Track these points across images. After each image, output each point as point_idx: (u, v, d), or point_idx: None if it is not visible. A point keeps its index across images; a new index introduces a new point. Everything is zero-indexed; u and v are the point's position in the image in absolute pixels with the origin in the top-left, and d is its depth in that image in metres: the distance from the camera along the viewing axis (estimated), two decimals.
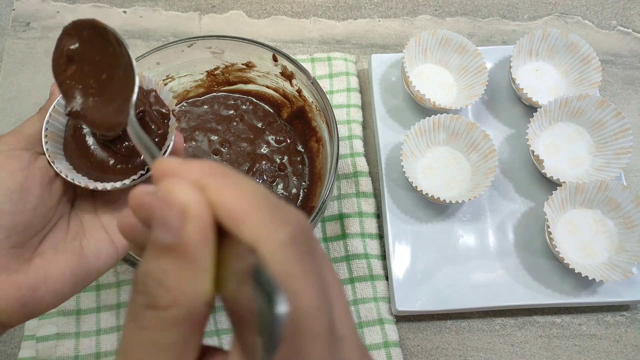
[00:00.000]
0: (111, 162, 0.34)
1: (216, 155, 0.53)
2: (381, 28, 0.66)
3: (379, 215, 0.55)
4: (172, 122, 0.35)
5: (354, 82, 0.61)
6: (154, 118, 0.34)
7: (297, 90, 0.53)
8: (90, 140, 0.34)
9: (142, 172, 0.34)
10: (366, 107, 0.61)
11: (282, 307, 0.14)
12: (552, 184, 0.55)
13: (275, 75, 0.53)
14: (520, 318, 0.52)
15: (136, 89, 0.30)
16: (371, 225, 0.54)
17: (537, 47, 0.59)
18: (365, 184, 0.55)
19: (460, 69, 0.59)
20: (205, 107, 0.55)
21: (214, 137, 0.54)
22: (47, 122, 0.34)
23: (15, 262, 0.31)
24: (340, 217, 0.54)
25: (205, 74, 0.55)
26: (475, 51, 0.57)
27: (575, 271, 0.49)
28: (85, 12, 0.65)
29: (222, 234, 0.16)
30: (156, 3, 0.66)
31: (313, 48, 0.64)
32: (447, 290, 0.51)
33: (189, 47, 0.51)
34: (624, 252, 0.50)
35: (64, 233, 0.34)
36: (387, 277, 0.52)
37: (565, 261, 0.49)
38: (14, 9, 0.65)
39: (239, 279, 0.15)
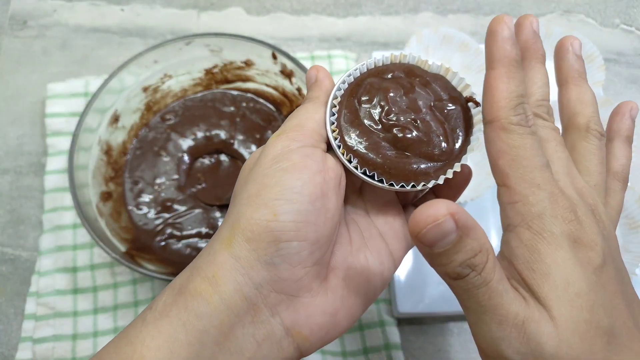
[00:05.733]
0: (409, 160, 0.28)
1: None
2: (382, 25, 0.65)
3: None
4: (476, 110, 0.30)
5: None
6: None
7: (296, 89, 0.52)
8: (378, 136, 0.28)
9: (444, 175, 0.29)
10: None
11: None
12: None
13: (275, 73, 0.52)
14: None
15: None
16: None
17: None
18: None
19: (463, 68, 0.58)
20: (205, 105, 0.55)
21: (216, 139, 0.53)
22: (332, 113, 0.28)
23: (316, 282, 0.27)
24: None
25: (204, 72, 0.54)
26: (478, 49, 0.56)
27: None
28: (82, 10, 0.65)
29: None
30: (154, 0, 0.65)
31: (313, 46, 0.64)
32: (450, 292, 0.50)
33: (187, 45, 0.50)
34: (627, 253, 0.50)
35: (348, 244, 0.29)
36: None
37: None
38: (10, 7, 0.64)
39: None
